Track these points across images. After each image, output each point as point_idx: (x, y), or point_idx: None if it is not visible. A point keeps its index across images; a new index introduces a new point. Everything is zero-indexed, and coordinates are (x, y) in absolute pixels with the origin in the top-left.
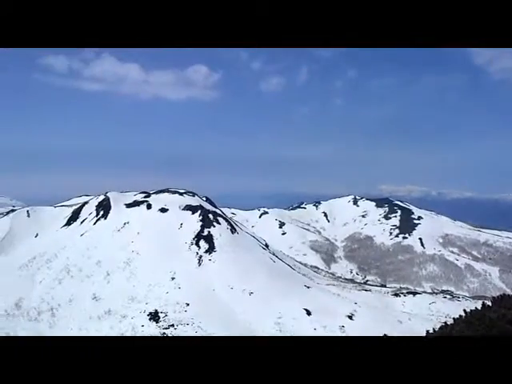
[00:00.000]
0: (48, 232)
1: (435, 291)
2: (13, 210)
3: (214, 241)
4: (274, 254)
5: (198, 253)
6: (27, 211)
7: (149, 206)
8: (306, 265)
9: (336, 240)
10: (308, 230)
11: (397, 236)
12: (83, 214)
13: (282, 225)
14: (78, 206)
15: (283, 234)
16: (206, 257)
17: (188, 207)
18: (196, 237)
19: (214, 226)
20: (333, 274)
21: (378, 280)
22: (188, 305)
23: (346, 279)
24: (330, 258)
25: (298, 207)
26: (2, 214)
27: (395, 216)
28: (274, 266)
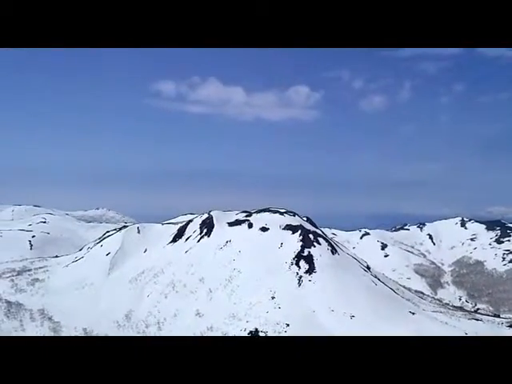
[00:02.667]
0: (156, 248)
1: None
2: (125, 226)
3: (314, 261)
4: (375, 277)
5: (298, 273)
6: (137, 228)
7: (250, 225)
8: (410, 289)
9: (443, 264)
10: (412, 252)
11: (511, 262)
12: (188, 232)
13: (384, 247)
14: (184, 223)
15: (385, 256)
16: (306, 277)
17: (288, 227)
18: (296, 257)
19: (315, 247)
20: (440, 301)
21: (490, 309)
22: (288, 325)
23: (455, 307)
24: (436, 283)
25: (401, 229)
26: (115, 229)
27: (508, 240)
28: (376, 289)
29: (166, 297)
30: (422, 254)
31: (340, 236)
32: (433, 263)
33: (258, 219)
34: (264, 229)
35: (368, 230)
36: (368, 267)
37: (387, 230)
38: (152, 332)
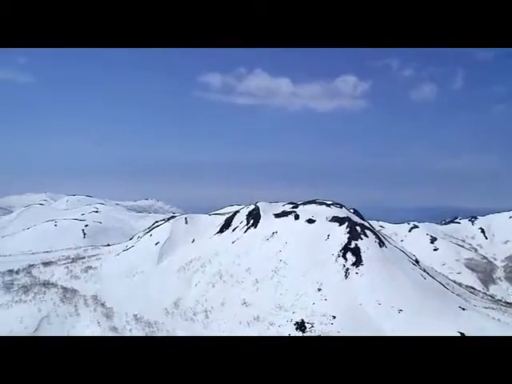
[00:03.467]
0: (203, 238)
1: None
2: (173, 217)
3: (362, 254)
4: (424, 271)
5: (344, 265)
6: (185, 218)
7: (296, 217)
8: (460, 284)
9: (495, 259)
10: (463, 246)
11: None
12: (235, 223)
13: (433, 240)
14: (230, 214)
15: (435, 249)
16: (352, 270)
17: (335, 219)
18: (343, 249)
19: (362, 239)
20: (492, 297)
21: None
22: (334, 317)
23: (508, 303)
24: (488, 279)
25: (452, 222)
26: (163, 219)
27: None
28: (424, 283)
29: (213, 286)
30: (474, 248)
31: (388, 229)
32: (484, 258)
33: (305, 211)
34: (310, 220)
35: (417, 223)
36: (417, 261)
37: (437, 223)
38: (200, 320)
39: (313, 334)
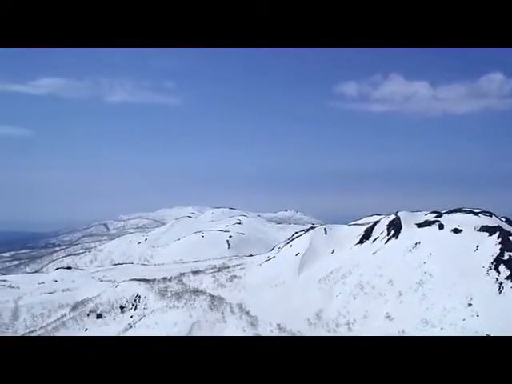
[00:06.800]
0: (343, 249)
1: None
2: (312, 228)
3: None
4: None
5: (497, 279)
6: (324, 229)
7: (441, 226)
8: None
9: None
10: None
11: None
12: (375, 233)
13: None
14: (370, 224)
15: None
16: (507, 284)
17: (484, 228)
18: (495, 261)
19: None
20: None
21: None
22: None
23: None
24: None
25: None
26: (303, 230)
27: None
28: None
29: (354, 298)
30: None
31: None
32: None
33: (450, 220)
34: (456, 230)
35: None
36: None
37: None
38: (343, 332)
39: None
